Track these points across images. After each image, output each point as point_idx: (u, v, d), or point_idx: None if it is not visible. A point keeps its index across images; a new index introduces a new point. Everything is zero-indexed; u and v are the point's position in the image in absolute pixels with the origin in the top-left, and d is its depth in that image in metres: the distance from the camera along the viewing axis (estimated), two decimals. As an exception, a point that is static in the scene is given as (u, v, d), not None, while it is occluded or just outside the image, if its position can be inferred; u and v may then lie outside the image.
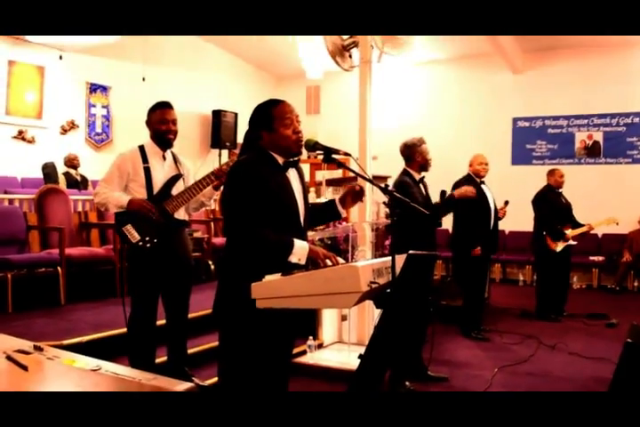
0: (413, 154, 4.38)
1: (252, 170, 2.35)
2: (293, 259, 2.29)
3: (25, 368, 1.51)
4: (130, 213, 3.55)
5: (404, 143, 4.44)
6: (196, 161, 9.94)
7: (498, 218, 5.79)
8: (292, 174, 2.52)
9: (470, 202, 5.57)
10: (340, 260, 2.36)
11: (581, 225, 6.75)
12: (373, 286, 2.04)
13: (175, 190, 3.68)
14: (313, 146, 2.48)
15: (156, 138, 3.70)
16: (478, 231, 5.63)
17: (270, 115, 2.44)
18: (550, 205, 6.60)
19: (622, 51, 9.37)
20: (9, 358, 1.58)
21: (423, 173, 4.42)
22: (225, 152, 10.75)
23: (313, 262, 2.33)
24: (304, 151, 2.56)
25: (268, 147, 2.45)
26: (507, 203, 5.83)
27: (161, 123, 3.65)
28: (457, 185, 5.73)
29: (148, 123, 3.72)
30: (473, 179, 5.70)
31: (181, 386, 1.72)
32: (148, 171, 3.63)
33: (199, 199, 3.80)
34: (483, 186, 5.73)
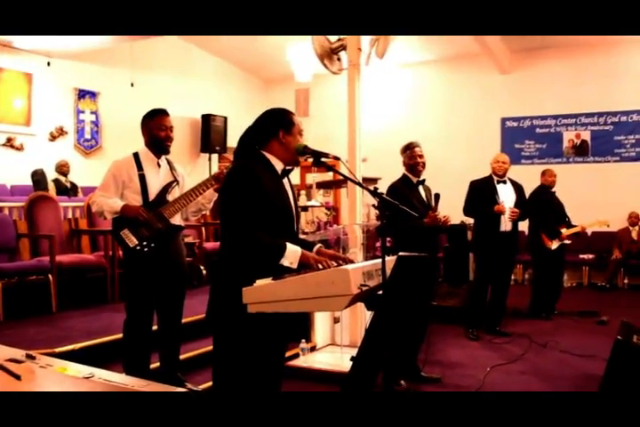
0: (403, 158, 4.46)
1: (251, 174, 2.38)
2: (285, 262, 2.30)
3: (18, 377, 1.51)
4: (126, 218, 3.55)
5: None
6: (187, 166, 9.92)
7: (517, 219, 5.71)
8: (285, 181, 2.57)
9: (482, 202, 5.66)
10: (333, 263, 2.36)
11: (573, 225, 6.81)
12: (364, 288, 2.05)
13: (170, 197, 3.68)
14: (302, 150, 2.50)
15: (153, 144, 3.70)
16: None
17: (291, 120, 2.54)
18: (545, 203, 6.67)
19: (607, 49, 9.44)
20: (1, 367, 1.58)
21: (423, 177, 4.46)
22: (215, 156, 10.76)
23: (306, 267, 2.33)
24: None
25: (270, 151, 2.51)
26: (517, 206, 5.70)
27: (159, 129, 3.65)
28: (472, 184, 5.88)
29: (144, 129, 3.71)
30: (490, 179, 5.83)
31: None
32: (142, 178, 3.64)
33: (199, 202, 3.77)
34: (501, 185, 5.78)
